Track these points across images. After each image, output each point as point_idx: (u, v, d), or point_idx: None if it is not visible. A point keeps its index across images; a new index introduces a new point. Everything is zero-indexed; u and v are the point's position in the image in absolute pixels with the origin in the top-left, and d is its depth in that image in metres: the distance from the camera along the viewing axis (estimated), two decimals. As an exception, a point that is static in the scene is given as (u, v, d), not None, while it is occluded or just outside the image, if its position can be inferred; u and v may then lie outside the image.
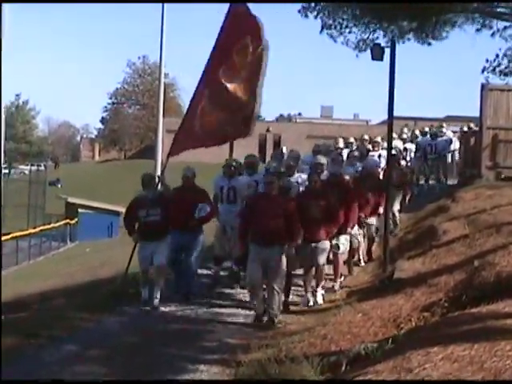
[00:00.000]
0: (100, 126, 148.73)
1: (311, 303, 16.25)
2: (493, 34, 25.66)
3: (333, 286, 17.45)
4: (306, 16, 25.47)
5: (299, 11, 25.42)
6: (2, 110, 36.67)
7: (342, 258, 17.78)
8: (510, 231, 16.12)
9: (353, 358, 10.30)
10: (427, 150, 32.11)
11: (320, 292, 16.60)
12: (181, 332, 14.58)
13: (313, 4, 25.02)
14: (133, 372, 12.37)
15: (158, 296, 15.88)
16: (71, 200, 66.80)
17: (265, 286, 15.23)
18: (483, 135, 28.78)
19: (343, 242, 17.33)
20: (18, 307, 18.97)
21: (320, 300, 16.45)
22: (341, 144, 28.29)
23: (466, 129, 35.00)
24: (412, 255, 17.84)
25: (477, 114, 30.18)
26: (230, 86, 16.83)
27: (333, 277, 17.95)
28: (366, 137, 31.80)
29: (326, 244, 16.55)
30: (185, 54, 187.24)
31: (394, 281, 15.46)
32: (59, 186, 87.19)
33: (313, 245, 16.18)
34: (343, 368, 9.79)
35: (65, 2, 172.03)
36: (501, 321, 9.39)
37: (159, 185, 16.80)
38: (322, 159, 18.56)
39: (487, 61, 26.37)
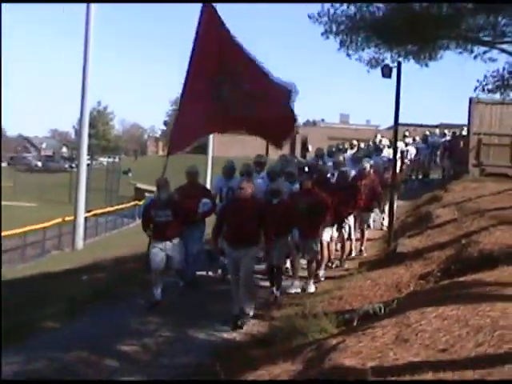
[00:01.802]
0: (163, 127, 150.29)
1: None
2: (475, 57, 25.59)
3: (317, 275, 16.33)
4: (328, 38, 25.41)
5: (322, 34, 25.33)
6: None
7: (326, 248, 16.82)
8: (490, 216, 16.12)
9: (363, 315, 10.31)
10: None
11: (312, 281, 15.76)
12: (225, 292, 14.42)
13: (334, 28, 24.93)
14: (187, 320, 12.39)
15: (156, 291, 14.43)
16: (139, 185, 67.15)
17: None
18: (470, 139, 29.29)
19: (327, 230, 16.53)
20: (95, 270, 19.01)
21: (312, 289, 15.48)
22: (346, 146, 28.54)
23: (458, 133, 34.87)
24: (411, 234, 17.86)
25: (465, 122, 30.61)
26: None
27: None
28: (379, 137, 31.97)
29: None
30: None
31: (396, 254, 15.50)
32: (130, 174, 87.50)
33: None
34: (355, 323, 9.76)
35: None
36: (482, 287, 9.37)
37: (162, 187, 14.98)
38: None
39: (478, 81, 26.21)
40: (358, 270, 15.85)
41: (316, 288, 15.36)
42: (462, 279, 10.47)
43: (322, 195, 15.64)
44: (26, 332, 12.67)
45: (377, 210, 21.00)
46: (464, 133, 33.85)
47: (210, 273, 16.89)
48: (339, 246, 18.05)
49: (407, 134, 35.27)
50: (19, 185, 78.94)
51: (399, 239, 17.28)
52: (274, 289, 14.68)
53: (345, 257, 18.28)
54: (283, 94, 15.10)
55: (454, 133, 34.16)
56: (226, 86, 15.00)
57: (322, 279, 16.08)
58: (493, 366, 6.04)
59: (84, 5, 33.23)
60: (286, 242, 14.88)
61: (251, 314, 13.19)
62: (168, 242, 14.49)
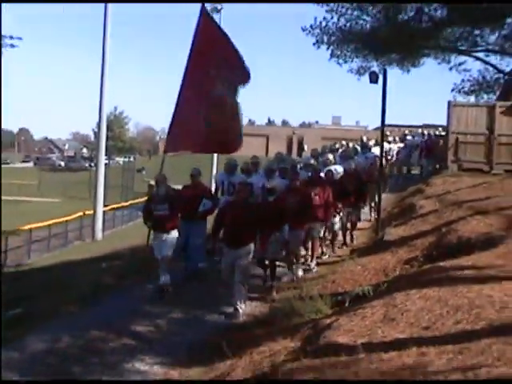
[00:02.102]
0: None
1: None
2: (451, 69, 25.98)
3: (309, 265, 16.14)
4: (319, 47, 25.60)
5: (314, 44, 25.49)
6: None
7: (317, 242, 16.56)
8: (467, 207, 16.15)
9: (354, 297, 10.34)
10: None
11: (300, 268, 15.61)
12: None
13: (325, 39, 25.15)
14: (195, 300, 12.42)
15: (164, 277, 14.14)
16: (152, 182, 67.11)
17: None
18: (449, 138, 29.33)
19: (319, 228, 16.32)
20: (113, 258, 19.05)
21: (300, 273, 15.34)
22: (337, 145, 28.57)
23: (432, 134, 34.98)
24: (397, 224, 17.89)
25: (445, 122, 30.67)
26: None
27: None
28: (365, 138, 32.21)
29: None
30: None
31: (383, 242, 15.54)
32: (143, 172, 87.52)
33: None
34: (347, 304, 9.80)
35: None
36: (460, 271, 9.40)
37: (160, 183, 14.81)
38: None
39: (454, 84, 26.57)
40: (350, 256, 15.90)
41: (303, 274, 15.31)
42: (442, 264, 10.50)
43: (306, 192, 15.69)
44: (52, 314, 12.73)
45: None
46: (438, 133, 34.20)
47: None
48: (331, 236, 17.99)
49: (388, 133, 35.35)
50: (44, 183, 78.99)
51: (386, 228, 17.32)
52: (270, 279, 14.45)
53: (336, 247, 18.13)
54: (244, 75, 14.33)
55: (429, 134, 34.17)
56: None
57: (314, 270, 15.94)
58: (470, 341, 6.08)
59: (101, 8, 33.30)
60: (281, 236, 14.54)
61: (243, 307, 12.66)
62: (166, 234, 14.28)
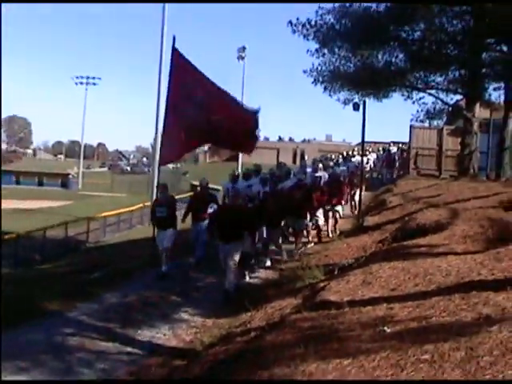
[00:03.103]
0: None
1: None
2: (413, 103, 26.22)
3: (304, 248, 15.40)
4: (316, 84, 26.02)
5: (312, 82, 25.85)
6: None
7: (301, 234, 15.70)
8: (423, 201, 16.10)
9: (341, 267, 10.33)
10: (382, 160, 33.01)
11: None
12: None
13: (320, 79, 25.59)
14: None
15: (165, 266, 13.11)
16: (193, 182, 67.34)
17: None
18: (411, 151, 29.63)
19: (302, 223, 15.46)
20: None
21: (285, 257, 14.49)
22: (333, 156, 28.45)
23: (403, 147, 35.06)
24: (373, 214, 17.91)
25: (407, 139, 30.88)
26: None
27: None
28: (344, 153, 32.77)
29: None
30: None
31: (363, 227, 15.51)
32: (187, 175, 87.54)
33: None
34: (336, 272, 9.79)
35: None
36: (418, 248, 9.40)
37: (161, 190, 13.85)
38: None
39: (412, 115, 26.88)
40: (338, 237, 15.90)
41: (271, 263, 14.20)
42: (405, 243, 10.48)
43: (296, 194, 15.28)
44: (121, 277, 12.80)
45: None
46: (391, 149, 34.60)
47: None
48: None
49: (367, 148, 35.43)
50: (115, 182, 79.21)
51: (365, 217, 17.32)
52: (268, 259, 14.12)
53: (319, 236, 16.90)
54: (250, 118, 13.30)
55: (388, 150, 34.30)
56: (190, 112, 13.25)
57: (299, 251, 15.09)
58: (424, 299, 6.12)
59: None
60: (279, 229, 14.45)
61: (232, 286, 11.44)
62: (164, 231, 13.30)
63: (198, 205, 14.64)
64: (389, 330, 5.27)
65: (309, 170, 20.29)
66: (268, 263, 14.07)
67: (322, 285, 8.46)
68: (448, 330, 5.05)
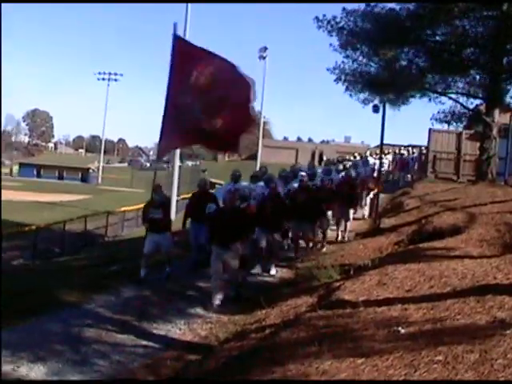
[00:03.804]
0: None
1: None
2: (431, 101, 26.08)
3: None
4: (338, 83, 26.01)
5: (334, 80, 25.83)
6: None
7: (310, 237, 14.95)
8: (440, 205, 16.06)
9: (357, 267, 10.32)
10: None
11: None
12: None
13: (342, 78, 25.59)
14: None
15: (144, 271, 12.23)
16: (212, 180, 67.50)
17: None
18: (429, 155, 29.52)
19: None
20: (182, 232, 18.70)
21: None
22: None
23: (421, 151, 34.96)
24: (390, 216, 17.84)
25: (426, 143, 30.85)
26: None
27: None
28: (357, 154, 32.84)
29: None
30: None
31: (380, 229, 15.48)
32: (206, 172, 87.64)
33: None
34: (351, 272, 9.80)
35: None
36: (434, 251, 9.40)
37: (156, 191, 12.72)
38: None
39: (433, 114, 26.71)
40: (354, 238, 15.89)
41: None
42: (421, 245, 10.49)
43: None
44: (137, 272, 12.73)
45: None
46: (403, 152, 34.66)
47: None
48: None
49: (384, 150, 35.34)
50: (135, 178, 79.50)
51: (382, 219, 17.27)
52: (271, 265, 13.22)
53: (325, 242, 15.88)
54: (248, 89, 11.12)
55: (402, 154, 34.24)
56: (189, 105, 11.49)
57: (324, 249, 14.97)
58: (439, 301, 6.14)
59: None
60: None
61: (217, 302, 10.65)
62: (158, 234, 12.33)
63: (197, 206, 13.73)
64: (403, 331, 5.28)
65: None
66: (273, 271, 13.13)
67: (337, 284, 8.48)
68: (462, 332, 5.06)
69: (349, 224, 17.00)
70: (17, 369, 7.54)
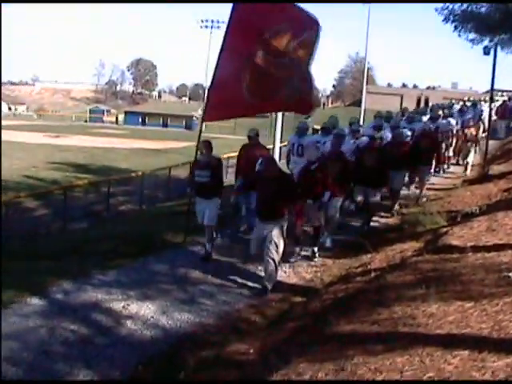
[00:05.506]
0: (332, 89, 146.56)
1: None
2: None
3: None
4: (446, 23, 24.91)
5: (443, 20, 24.82)
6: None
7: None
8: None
9: (464, 214, 10.11)
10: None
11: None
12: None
13: (451, 18, 24.48)
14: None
15: (209, 246, 10.46)
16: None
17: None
18: None
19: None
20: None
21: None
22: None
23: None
24: (498, 162, 17.35)
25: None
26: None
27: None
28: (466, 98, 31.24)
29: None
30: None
31: (488, 176, 15.06)
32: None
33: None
34: (458, 219, 9.62)
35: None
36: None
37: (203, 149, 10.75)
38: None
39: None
40: (462, 185, 15.50)
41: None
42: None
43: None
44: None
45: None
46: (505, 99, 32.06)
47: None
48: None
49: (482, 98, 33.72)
50: (238, 125, 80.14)
51: (490, 165, 16.77)
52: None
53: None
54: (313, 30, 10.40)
55: (504, 100, 32.26)
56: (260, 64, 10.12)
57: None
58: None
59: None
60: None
61: (269, 287, 8.82)
62: (206, 201, 10.48)
63: (247, 159, 11.80)
64: (514, 276, 5.19)
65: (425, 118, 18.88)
66: (328, 243, 11.13)
67: (444, 230, 8.39)
68: None
69: (424, 187, 14.80)
70: (127, 306, 7.88)
